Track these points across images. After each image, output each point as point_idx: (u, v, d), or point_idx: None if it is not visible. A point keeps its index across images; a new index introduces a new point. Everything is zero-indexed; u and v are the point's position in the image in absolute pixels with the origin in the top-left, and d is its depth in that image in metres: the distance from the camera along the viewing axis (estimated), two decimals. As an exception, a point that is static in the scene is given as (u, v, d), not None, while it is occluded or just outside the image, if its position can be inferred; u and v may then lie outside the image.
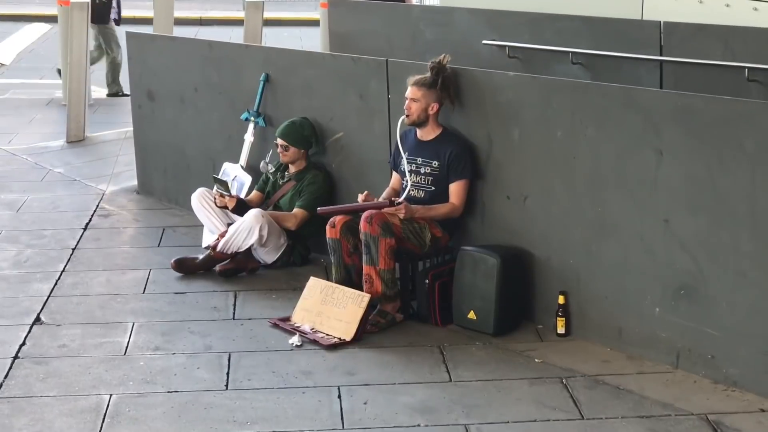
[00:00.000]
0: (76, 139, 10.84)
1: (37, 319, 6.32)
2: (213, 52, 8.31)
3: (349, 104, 7.12)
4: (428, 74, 6.34)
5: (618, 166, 5.69)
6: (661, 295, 5.59)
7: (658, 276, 5.59)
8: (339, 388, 5.42)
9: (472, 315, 6.09)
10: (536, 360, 5.76)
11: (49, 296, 6.69)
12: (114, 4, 13.28)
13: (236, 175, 7.74)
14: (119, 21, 13.42)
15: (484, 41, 8.58)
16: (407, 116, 6.35)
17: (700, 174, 5.37)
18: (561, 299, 5.97)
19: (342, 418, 5.12)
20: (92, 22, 13.13)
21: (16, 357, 5.80)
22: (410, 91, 6.34)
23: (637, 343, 5.73)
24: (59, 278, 7.01)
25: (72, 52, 10.96)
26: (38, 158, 10.19)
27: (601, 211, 5.79)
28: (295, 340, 5.98)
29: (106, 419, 5.10)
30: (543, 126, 6.02)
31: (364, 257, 6.15)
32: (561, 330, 6.00)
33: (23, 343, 5.98)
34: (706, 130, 5.34)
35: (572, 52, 7.99)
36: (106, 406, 5.22)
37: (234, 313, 6.45)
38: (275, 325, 6.21)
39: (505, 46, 8.41)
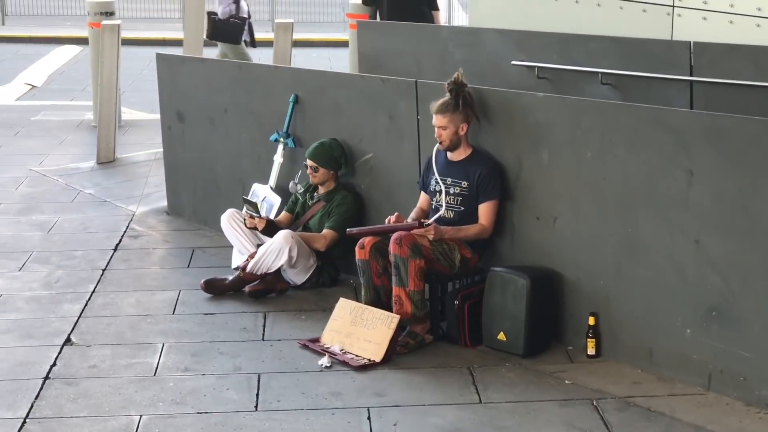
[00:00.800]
0: (107, 161, 10.89)
1: (68, 340, 6.34)
2: (242, 73, 8.34)
3: (378, 125, 7.12)
4: (447, 96, 6.32)
5: (648, 187, 5.67)
6: (692, 316, 5.56)
7: (689, 297, 5.56)
8: (368, 410, 5.41)
9: (501, 336, 6.07)
10: (566, 381, 5.73)
11: (79, 317, 6.71)
12: (246, 25, 13.32)
13: (265, 196, 7.76)
14: (252, 42, 13.46)
15: (513, 62, 8.56)
16: (440, 143, 6.35)
17: (731, 194, 5.34)
18: (591, 320, 5.94)
19: (371, 440, 5.11)
20: (223, 41, 13.31)
21: (46, 377, 5.82)
22: (436, 120, 6.33)
23: (668, 365, 5.70)
24: (89, 299, 7.04)
25: (103, 74, 11.03)
26: (69, 179, 10.25)
27: (631, 231, 5.77)
28: (324, 361, 5.98)
29: (136, 440, 5.12)
30: (572, 147, 6.00)
31: (393, 278, 6.14)
32: (591, 351, 5.97)
33: (54, 364, 6.00)
34: (737, 150, 5.32)
35: (601, 73, 7.96)
36: (136, 427, 5.23)
37: (263, 334, 6.45)
38: (304, 346, 6.21)
39: (534, 66, 8.40)
